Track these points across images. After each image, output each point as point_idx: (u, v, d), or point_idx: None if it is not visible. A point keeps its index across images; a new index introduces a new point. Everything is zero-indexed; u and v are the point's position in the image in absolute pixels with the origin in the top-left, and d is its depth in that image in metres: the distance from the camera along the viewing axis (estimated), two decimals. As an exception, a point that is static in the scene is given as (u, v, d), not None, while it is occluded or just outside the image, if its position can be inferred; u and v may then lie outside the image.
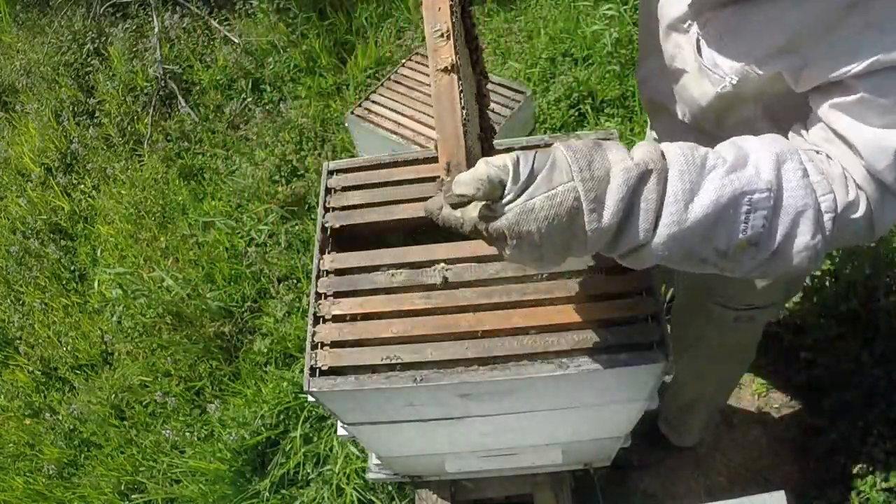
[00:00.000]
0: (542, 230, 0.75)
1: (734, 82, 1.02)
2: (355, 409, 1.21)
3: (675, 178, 0.78)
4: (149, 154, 3.50)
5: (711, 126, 1.18)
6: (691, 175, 0.78)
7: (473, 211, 0.78)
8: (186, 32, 3.89)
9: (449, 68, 0.85)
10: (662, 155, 0.80)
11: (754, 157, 0.82)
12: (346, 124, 2.70)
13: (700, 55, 1.07)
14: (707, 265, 0.84)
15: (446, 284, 1.16)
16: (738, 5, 0.98)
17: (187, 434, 2.55)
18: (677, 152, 0.80)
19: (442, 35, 0.86)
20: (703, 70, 1.07)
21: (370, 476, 1.85)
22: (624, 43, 3.06)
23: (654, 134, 1.54)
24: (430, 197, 0.83)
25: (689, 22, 1.08)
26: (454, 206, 0.79)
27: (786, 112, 1.02)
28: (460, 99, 0.84)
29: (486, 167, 0.76)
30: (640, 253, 0.80)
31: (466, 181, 0.76)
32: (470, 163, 0.82)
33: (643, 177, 0.77)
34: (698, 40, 1.06)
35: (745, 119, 1.12)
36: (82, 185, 3.56)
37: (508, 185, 0.75)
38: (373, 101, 2.55)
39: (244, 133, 3.43)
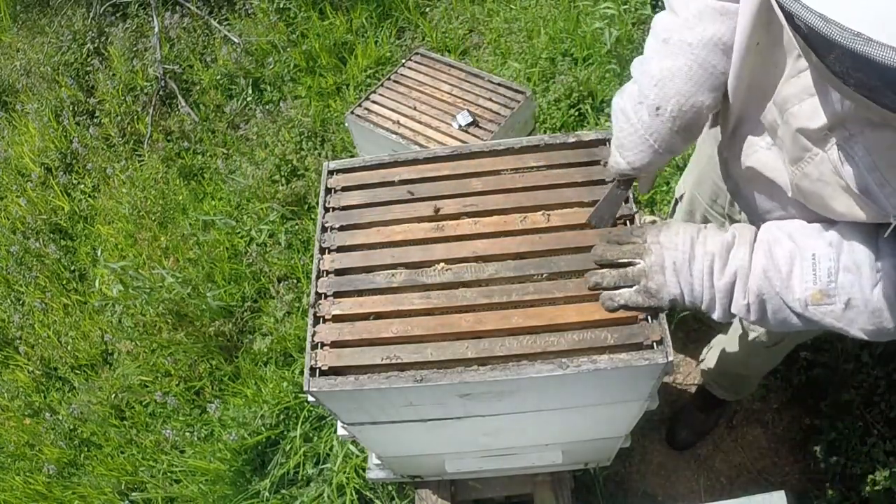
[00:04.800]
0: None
1: None
2: (355, 409, 1.21)
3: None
4: (149, 154, 3.50)
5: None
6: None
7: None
8: (186, 32, 3.89)
9: None
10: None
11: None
12: (346, 124, 2.70)
13: (841, 174, 0.90)
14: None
15: (446, 285, 1.16)
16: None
17: (187, 434, 2.55)
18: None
19: None
20: (847, 190, 0.91)
21: (370, 476, 1.85)
22: (624, 42, 3.06)
23: (727, 207, 1.53)
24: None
25: (827, 133, 0.90)
26: None
27: None
28: None
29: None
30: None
31: None
32: None
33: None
34: (839, 153, 0.89)
35: None
36: (82, 185, 3.56)
37: None
38: (373, 101, 2.55)
39: (244, 133, 3.43)
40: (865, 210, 0.90)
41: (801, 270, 0.97)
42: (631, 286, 1.08)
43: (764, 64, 1.01)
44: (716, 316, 1.07)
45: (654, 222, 1.17)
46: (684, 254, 1.05)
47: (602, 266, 1.12)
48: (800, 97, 0.94)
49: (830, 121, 0.88)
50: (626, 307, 1.08)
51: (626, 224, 1.21)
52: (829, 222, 1.00)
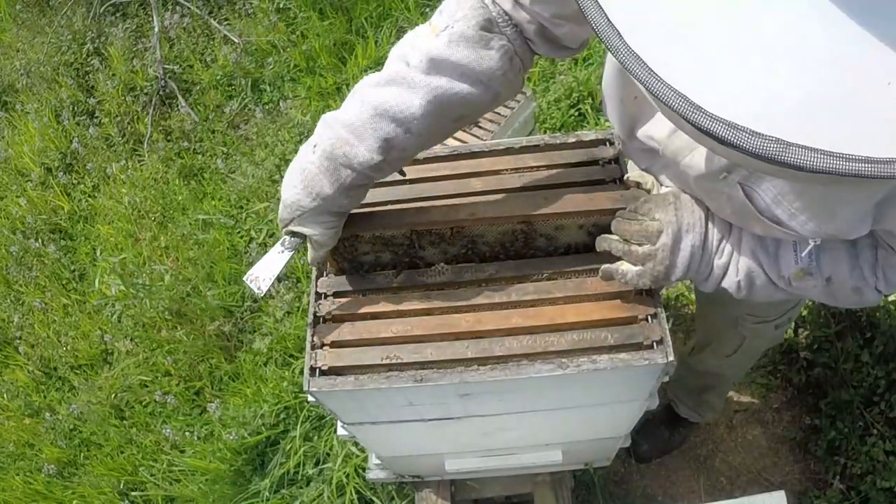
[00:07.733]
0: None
1: (818, 242, 0.93)
2: (355, 408, 1.21)
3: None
4: (149, 154, 3.49)
5: None
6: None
7: None
8: (186, 32, 3.89)
9: None
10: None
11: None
12: (346, 124, 2.70)
13: (753, 204, 0.91)
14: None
15: (446, 284, 1.16)
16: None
17: (187, 434, 2.55)
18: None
19: None
20: (761, 220, 0.92)
21: (370, 476, 1.86)
22: (624, 43, 3.06)
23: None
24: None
25: (726, 174, 0.91)
26: None
27: None
28: None
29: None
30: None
31: None
32: None
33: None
34: (743, 189, 0.91)
35: None
36: (82, 185, 3.56)
37: None
38: (373, 101, 2.55)
39: (244, 133, 3.43)
40: (783, 235, 0.94)
41: (786, 251, 1.00)
42: (635, 265, 1.05)
43: (646, 110, 1.03)
44: (706, 288, 1.07)
45: (642, 185, 1.16)
46: (700, 235, 1.02)
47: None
48: (689, 148, 0.95)
49: (724, 164, 0.90)
50: (627, 284, 1.07)
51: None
52: None
